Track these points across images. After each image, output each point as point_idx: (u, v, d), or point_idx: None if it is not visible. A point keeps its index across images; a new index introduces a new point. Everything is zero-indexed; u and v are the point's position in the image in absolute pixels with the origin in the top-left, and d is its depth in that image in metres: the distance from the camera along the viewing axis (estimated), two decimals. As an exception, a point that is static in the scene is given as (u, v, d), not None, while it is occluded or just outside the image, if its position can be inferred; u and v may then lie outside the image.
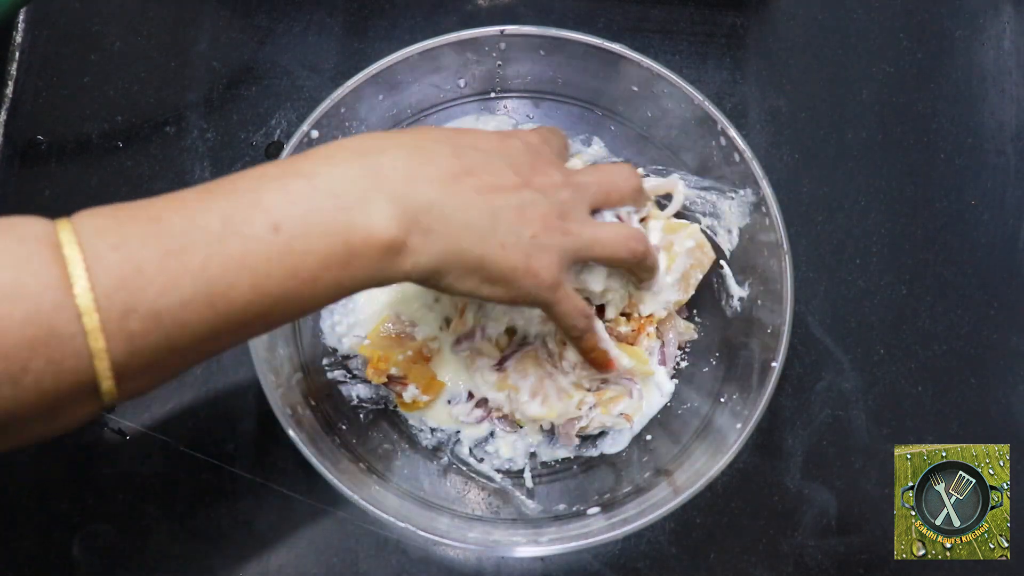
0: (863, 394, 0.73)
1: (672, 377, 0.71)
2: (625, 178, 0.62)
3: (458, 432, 0.69)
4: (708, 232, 0.70)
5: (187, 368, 0.48)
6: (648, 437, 0.69)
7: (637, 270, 0.63)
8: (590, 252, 0.58)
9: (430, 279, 0.52)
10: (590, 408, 0.67)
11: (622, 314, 0.67)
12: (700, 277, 0.68)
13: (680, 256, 0.67)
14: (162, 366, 0.46)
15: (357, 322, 0.69)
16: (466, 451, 0.69)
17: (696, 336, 0.71)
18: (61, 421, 0.45)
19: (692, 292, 0.68)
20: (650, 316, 0.68)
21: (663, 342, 0.70)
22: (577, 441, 0.68)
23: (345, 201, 0.48)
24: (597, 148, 0.73)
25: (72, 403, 0.44)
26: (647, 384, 0.69)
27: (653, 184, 0.69)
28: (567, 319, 0.59)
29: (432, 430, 0.69)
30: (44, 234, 0.44)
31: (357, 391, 0.69)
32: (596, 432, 0.69)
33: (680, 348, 0.71)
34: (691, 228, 0.68)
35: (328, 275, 0.48)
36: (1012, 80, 0.80)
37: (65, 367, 0.43)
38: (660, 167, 0.72)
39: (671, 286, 0.67)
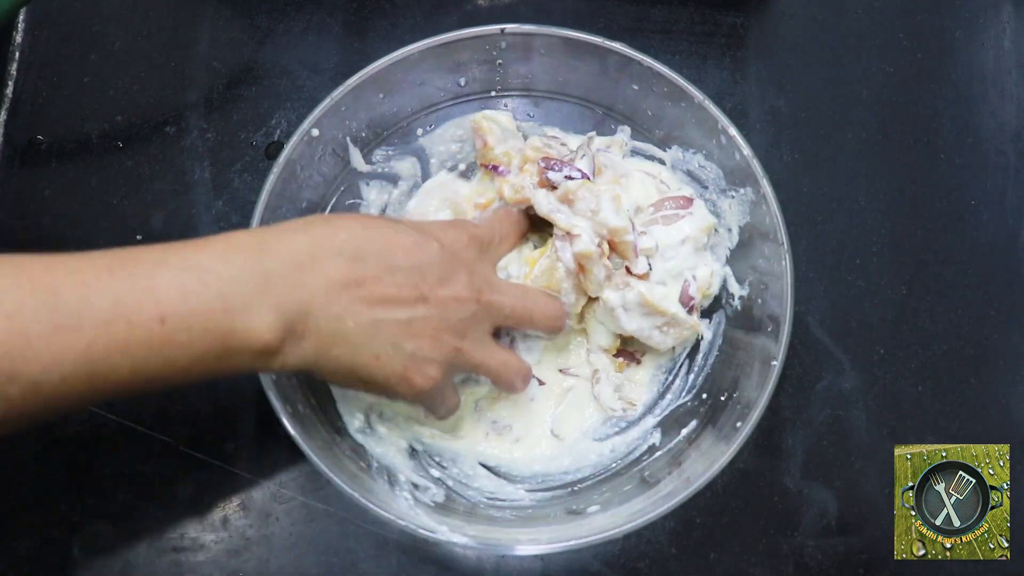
0: (863, 394, 0.73)
1: (671, 372, 0.71)
2: (544, 310, 0.64)
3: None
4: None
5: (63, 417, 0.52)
6: (648, 437, 0.69)
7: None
8: (475, 372, 0.61)
9: (306, 374, 0.54)
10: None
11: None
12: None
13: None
14: (37, 421, 0.49)
15: None
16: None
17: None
18: None
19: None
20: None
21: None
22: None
23: (231, 303, 0.50)
24: (622, 137, 0.73)
25: None
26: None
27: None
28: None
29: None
30: None
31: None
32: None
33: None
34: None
35: (202, 367, 0.51)
36: (1012, 80, 0.80)
37: None
38: (655, 160, 0.72)
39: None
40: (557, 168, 0.67)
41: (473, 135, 0.72)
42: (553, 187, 0.67)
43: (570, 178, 0.67)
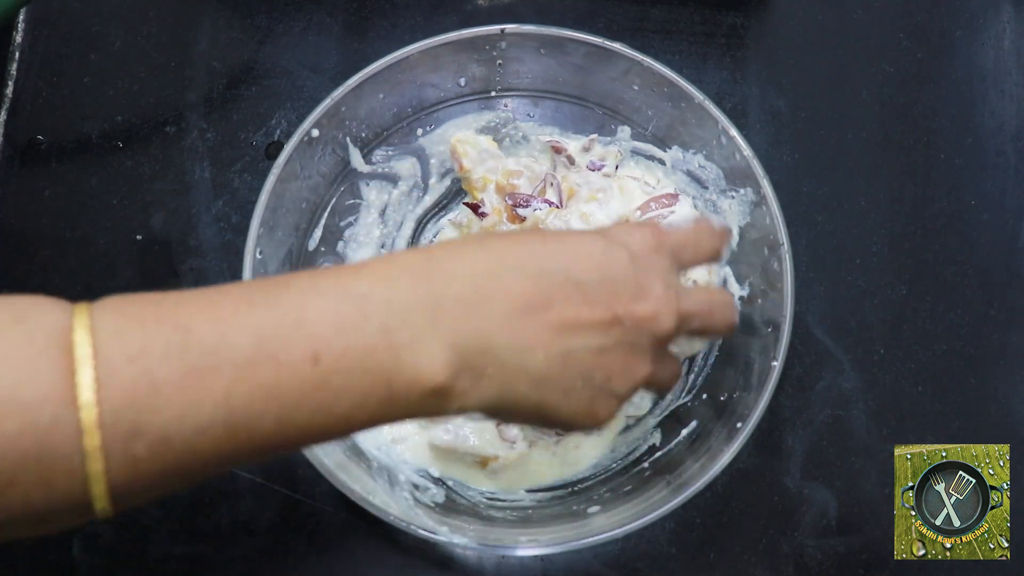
0: (863, 394, 0.73)
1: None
2: (724, 309, 0.53)
3: None
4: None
5: (193, 485, 0.43)
6: (648, 437, 0.69)
7: None
8: (652, 388, 0.53)
9: (478, 415, 0.47)
10: None
11: None
12: None
13: None
14: (166, 487, 0.42)
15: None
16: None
17: None
18: (49, 528, 0.41)
19: None
20: None
21: None
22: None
23: (396, 339, 0.42)
24: (615, 147, 0.73)
25: (62, 516, 0.41)
26: None
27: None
28: None
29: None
30: (56, 331, 0.39)
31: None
32: None
33: None
34: None
35: (362, 414, 0.43)
36: (1012, 80, 0.80)
37: (57, 486, 0.39)
38: (655, 160, 0.72)
39: None
40: (524, 204, 0.69)
41: (451, 158, 0.72)
42: (523, 219, 0.69)
43: (539, 210, 0.69)
